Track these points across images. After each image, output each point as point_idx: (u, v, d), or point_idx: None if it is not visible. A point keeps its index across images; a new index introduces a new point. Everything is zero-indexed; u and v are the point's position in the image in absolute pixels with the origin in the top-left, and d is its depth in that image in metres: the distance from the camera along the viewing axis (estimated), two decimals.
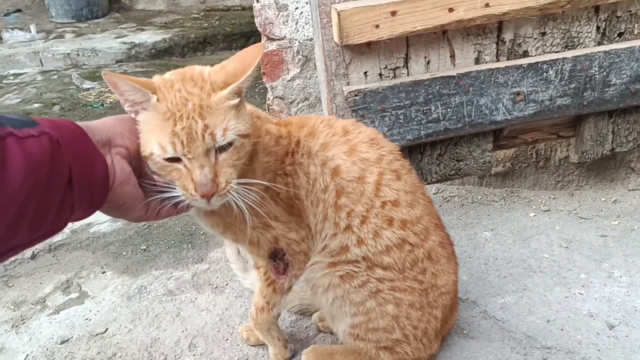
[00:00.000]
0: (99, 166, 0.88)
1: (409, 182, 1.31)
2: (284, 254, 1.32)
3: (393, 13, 1.57)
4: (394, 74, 1.72)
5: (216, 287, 1.86)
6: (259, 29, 2.18)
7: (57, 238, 2.22)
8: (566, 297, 1.70)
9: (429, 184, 1.94)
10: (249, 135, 1.08)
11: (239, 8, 5.81)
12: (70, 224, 2.29)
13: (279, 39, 2.18)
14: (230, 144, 1.03)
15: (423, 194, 1.36)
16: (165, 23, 5.43)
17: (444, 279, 1.37)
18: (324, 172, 1.26)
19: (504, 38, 1.74)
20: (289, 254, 1.32)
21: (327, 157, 1.26)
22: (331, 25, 1.61)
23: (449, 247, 1.41)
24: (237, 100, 1.05)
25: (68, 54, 4.70)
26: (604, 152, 1.97)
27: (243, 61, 1.06)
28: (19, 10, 6.12)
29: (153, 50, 4.80)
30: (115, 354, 1.62)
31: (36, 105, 3.85)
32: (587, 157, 1.97)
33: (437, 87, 1.70)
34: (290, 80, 2.25)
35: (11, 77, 4.47)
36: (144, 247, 2.13)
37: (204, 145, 1.00)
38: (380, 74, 1.71)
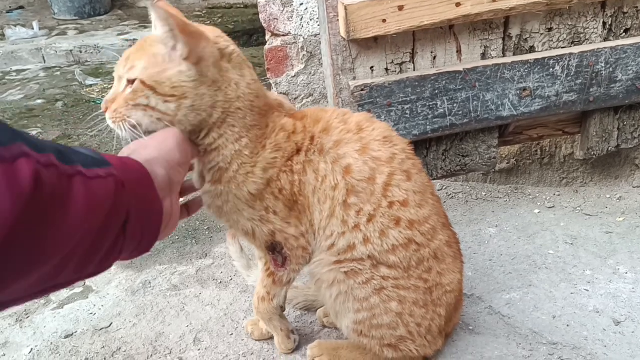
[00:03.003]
0: (155, 214, 0.88)
1: (419, 182, 1.29)
2: (282, 247, 1.32)
3: (400, 7, 1.56)
4: (401, 68, 1.71)
5: (220, 282, 1.86)
6: (264, 24, 2.17)
7: None
8: (572, 293, 1.69)
9: (434, 179, 1.93)
10: (155, 89, 1.07)
11: (242, 5, 5.81)
12: None
13: (283, 35, 2.18)
14: (132, 82, 1.08)
15: (432, 193, 1.34)
16: None
17: (449, 277, 1.36)
18: (334, 170, 1.24)
19: (510, 33, 1.74)
20: (287, 248, 1.32)
21: (339, 155, 1.25)
22: (338, 20, 1.61)
23: (455, 245, 1.40)
24: (163, 51, 1.08)
25: (71, 50, 4.69)
26: (610, 148, 1.97)
27: None
28: (21, 7, 6.12)
29: None
30: (120, 349, 1.62)
31: (39, 101, 3.85)
32: (592, 153, 1.97)
33: (444, 82, 1.70)
34: (294, 76, 2.25)
35: (14, 74, 4.47)
36: None
37: (119, 70, 1.11)
38: (387, 69, 1.70)
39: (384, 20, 1.57)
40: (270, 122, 1.23)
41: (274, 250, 1.33)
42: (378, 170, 1.24)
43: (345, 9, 1.54)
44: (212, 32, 1.17)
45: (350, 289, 1.31)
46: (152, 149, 0.97)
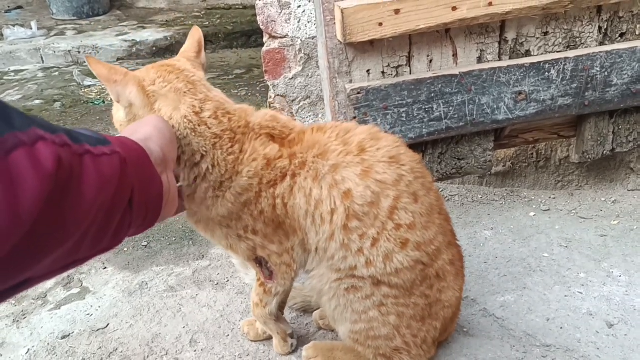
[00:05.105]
0: (155, 189, 0.93)
1: (426, 203, 1.27)
2: (267, 262, 1.34)
3: (397, 11, 1.57)
4: (397, 72, 1.72)
5: (217, 284, 1.87)
6: (261, 26, 2.18)
7: None
8: (566, 296, 1.70)
9: None
10: (115, 126, 1.29)
11: (240, 7, 5.81)
12: None
13: (281, 37, 2.19)
14: None
15: (440, 212, 1.33)
16: (167, 21, 5.43)
17: (449, 294, 1.36)
18: (331, 195, 1.22)
19: (506, 37, 1.75)
20: (271, 263, 1.33)
21: (337, 181, 1.22)
22: (334, 23, 1.62)
23: (458, 263, 1.40)
24: None
25: (69, 51, 4.69)
26: (605, 152, 1.98)
27: None
28: (20, 7, 6.11)
29: (154, 48, 4.80)
30: (117, 349, 1.62)
31: (37, 101, 3.85)
32: (587, 157, 1.98)
33: (440, 85, 1.70)
34: (292, 78, 2.26)
35: (12, 74, 4.47)
36: (145, 243, 2.13)
37: None
38: (383, 72, 1.71)
39: (381, 24, 1.58)
40: (249, 147, 1.23)
41: (260, 264, 1.35)
42: (383, 194, 1.22)
43: (342, 12, 1.55)
44: (155, 73, 1.23)
45: (349, 302, 1.31)
46: (145, 131, 1.03)
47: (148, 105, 1.19)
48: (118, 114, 1.25)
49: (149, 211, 0.90)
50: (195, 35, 1.36)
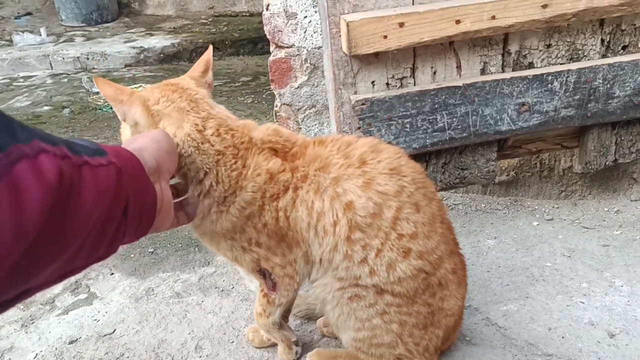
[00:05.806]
0: (149, 197, 0.94)
1: (428, 213, 1.29)
2: (270, 273, 1.36)
3: (401, 24, 1.60)
4: (401, 83, 1.75)
5: (222, 290, 1.89)
6: (268, 36, 2.21)
7: None
8: (568, 305, 1.72)
9: None
10: None
11: (247, 14, 5.87)
12: None
13: (287, 47, 2.22)
14: None
15: (442, 221, 1.34)
16: (174, 28, 5.48)
17: (451, 303, 1.38)
18: (333, 207, 1.24)
19: (509, 49, 1.77)
20: (274, 275, 1.35)
21: (338, 193, 1.24)
22: (340, 36, 1.64)
23: (460, 272, 1.41)
24: None
25: (78, 57, 4.75)
26: (607, 163, 1.99)
27: None
28: (29, 14, 6.18)
29: (162, 55, 4.85)
30: (123, 355, 1.65)
31: (46, 108, 3.90)
32: (590, 167, 2.00)
33: (443, 97, 1.73)
34: (297, 87, 2.28)
35: (21, 80, 4.53)
36: (152, 249, 2.16)
37: None
38: (388, 84, 1.74)
39: (385, 37, 1.61)
40: (252, 162, 1.26)
41: (264, 275, 1.37)
42: (385, 205, 1.24)
43: (347, 25, 1.58)
44: (159, 92, 1.25)
45: (352, 310, 1.33)
46: (141, 141, 1.05)
47: (152, 124, 1.22)
48: (125, 132, 1.28)
49: (143, 219, 0.91)
50: (206, 55, 1.38)
